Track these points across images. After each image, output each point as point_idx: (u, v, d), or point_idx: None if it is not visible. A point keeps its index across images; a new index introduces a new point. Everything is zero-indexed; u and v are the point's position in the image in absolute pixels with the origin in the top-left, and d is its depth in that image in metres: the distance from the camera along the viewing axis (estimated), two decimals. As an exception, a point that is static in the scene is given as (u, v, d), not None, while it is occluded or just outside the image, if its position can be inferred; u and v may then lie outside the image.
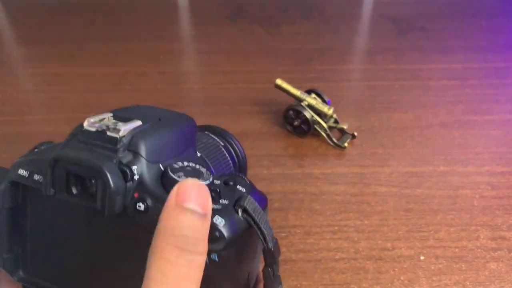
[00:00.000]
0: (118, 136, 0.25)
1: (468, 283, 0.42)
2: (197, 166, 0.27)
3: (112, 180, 0.24)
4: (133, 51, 0.76)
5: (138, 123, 0.27)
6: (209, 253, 0.25)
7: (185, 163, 0.27)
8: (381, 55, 0.75)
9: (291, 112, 0.58)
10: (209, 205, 0.23)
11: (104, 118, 0.27)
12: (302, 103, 0.57)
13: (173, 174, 0.26)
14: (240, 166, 0.40)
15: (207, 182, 0.26)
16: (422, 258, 0.44)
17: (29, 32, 0.82)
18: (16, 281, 0.30)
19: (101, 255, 0.29)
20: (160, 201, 0.24)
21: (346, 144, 0.56)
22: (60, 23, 0.84)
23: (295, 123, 0.58)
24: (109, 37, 0.79)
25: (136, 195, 0.25)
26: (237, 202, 0.26)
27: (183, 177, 0.26)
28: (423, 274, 0.42)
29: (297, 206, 0.48)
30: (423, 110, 0.63)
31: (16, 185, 0.28)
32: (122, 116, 0.28)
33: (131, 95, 0.66)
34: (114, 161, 0.25)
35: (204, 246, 0.23)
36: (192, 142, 0.32)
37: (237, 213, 0.26)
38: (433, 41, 0.79)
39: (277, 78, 0.59)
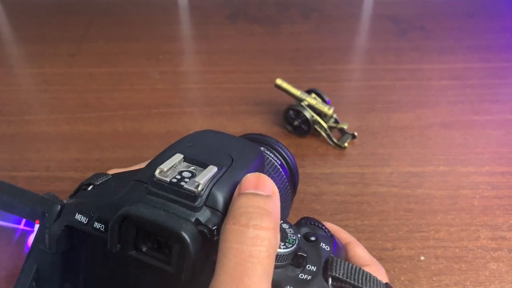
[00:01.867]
0: (196, 191, 0.23)
1: (468, 283, 0.42)
2: (284, 226, 0.25)
3: (192, 246, 0.22)
4: (133, 51, 0.76)
5: (214, 170, 0.24)
6: None
7: None
8: (381, 55, 0.75)
9: (291, 112, 0.58)
10: (271, 187, 0.23)
11: (175, 163, 0.24)
12: (302, 103, 0.57)
13: None
14: (294, 183, 0.38)
15: (294, 248, 0.24)
16: (422, 258, 0.44)
17: (29, 32, 0.82)
18: None
19: None
20: None
21: (346, 144, 0.56)
22: (60, 23, 0.84)
23: (295, 123, 0.58)
24: (109, 37, 0.79)
25: (215, 258, 0.22)
26: (325, 269, 0.24)
27: None
28: (423, 274, 0.42)
29: (297, 206, 0.48)
30: (423, 110, 0.63)
31: (71, 228, 0.26)
32: (193, 158, 0.25)
33: (131, 95, 0.66)
34: (193, 220, 0.22)
35: (270, 222, 0.21)
36: None
37: (327, 282, 0.24)
38: (433, 41, 0.79)
39: (277, 78, 0.59)
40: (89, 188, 0.28)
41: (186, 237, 0.21)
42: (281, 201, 0.30)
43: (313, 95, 0.58)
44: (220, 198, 0.23)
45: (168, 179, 0.23)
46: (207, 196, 0.23)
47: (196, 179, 0.23)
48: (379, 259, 0.43)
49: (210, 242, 0.22)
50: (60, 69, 0.72)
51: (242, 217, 0.21)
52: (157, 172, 0.23)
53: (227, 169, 0.25)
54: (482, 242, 0.46)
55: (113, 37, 0.79)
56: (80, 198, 0.27)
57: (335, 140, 0.57)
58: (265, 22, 0.84)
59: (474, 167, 0.54)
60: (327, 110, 0.57)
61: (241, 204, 0.22)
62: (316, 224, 0.29)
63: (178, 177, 0.23)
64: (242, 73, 0.71)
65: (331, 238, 0.27)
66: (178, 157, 0.25)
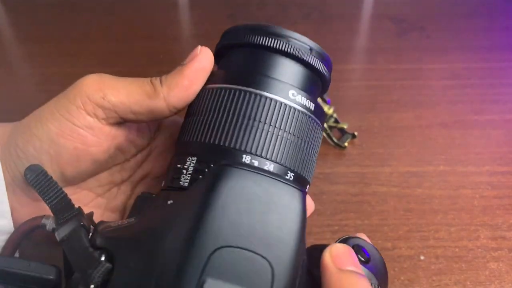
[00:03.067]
0: None
1: (468, 283, 0.42)
2: None
3: None
4: (133, 51, 0.76)
5: None
6: None
7: None
8: (381, 55, 0.75)
9: (291, 112, 0.57)
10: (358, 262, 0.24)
11: None
12: (302, 103, 0.57)
13: None
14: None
15: None
16: (422, 258, 0.44)
17: (29, 32, 0.82)
18: None
19: None
20: None
21: (346, 144, 0.56)
22: (60, 22, 0.84)
23: (295, 123, 0.58)
24: (109, 36, 0.79)
25: None
26: None
27: None
28: (423, 274, 0.42)
29: (297, 206, 0.48)
30: (423, 110, 0.63)
31: None
32: (233, 277, 0.21)
33: (131, 95, 0.66)
34: None
35: None
36: None
37: None
38: (433, 41, 0.79)
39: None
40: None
41: None
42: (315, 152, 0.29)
43: (313, 95, 0.58)
44: None
45: None
46: None
47: None
48: (379, 259, 0.43)
49: None
50: (60, 69, 0.72)
51: None
52: None
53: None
54: (482, 241, 0.46)
55: (113, 37, 0.79)
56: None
57: (335, 140, 0.57)
58: (265, 22, 0.84)
59: (474, 167, 0.54)
60: (327, 110, 0.57)
61: (352, 281, 0.23)
62: (364, 250, 0.28)
63: None
64: (242, 73, 0.71)
65: (375, 277, 0.27)
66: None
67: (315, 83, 0.30)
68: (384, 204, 0.49)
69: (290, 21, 0.85)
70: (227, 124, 0.26)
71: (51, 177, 0.28)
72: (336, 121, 0.59)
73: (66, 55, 0.75)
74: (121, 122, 0.31)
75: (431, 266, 0.43)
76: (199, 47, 0.32)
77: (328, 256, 0.24)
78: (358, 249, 0.27)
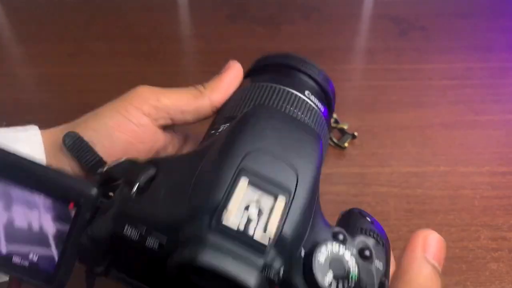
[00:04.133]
0: (267, 245, 0.21)
1: (468, 284, 0.42)
2: (341, 253, 0.24)
3: None
4: (133, 51, 0.76)
5: (283, 204, 0.23)
6: None
7: (329, 247, 0.24)
8: (381, 55, 0.75)
9: (291, 112, 0.57)
10: (443, 262, 0.24)
11: (241, 197, 0.22)
12: (302, 103, 0.57)
13: (322, 277, 0.22)
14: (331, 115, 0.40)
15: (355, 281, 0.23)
16: None
17: (28, 32, 0.82)
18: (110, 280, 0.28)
19: None
20: None
21: (346, 144, 0.56)
22: (60, 22, 0.84)
23: (295, 123, 0.58)
24: (109, 36, 0.79)
25: None
26: None
27: (333, 283, 0.23)
28: None
29: (298, 206, 0.48)
30: (424, 110, 0.63)
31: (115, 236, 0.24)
32: (259, 184, 0.23)
33: (131, 95, 0.66)
34: (261, 266, 0.21)
35: None
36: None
37: None
38: (433, 41, 0.78)
39: (277, 78, 0.59)
40: (134, 190, 0.25)
41: None
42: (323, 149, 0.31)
43: (313, 95, 0.58)
44: (288, 238, 0.22)
45: (235, 227, 0.22)
46: (277, 240, 0.22)
47: (268, 228, 0.22)
48: (379, 259, 0.43)
49: (275, 284, 0.22)
50: (60, 69, 0.71)
51: None
52: (224, 215, 0.22)
53: (294, 196, 0.23)
54: (482, 242, 0.46)
55: (113, 37, 0.79)
56: (125, 207, 0.25)
57: (335, 140, 0.57)
58: (265, 22, 0.84)
59: (475, 167, 0.54)
60: (327, 110, 0.57)
61: (429, 276, 0.23)
62: (368, 219, 0.28)
63: (245, 220, 0.22)
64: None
65: (382, 249, 0.26)
66: (244, 184, 0.23)
67: (322, 96, 0.39)
68: (385, 205, 0.49)
69: (290, 21, 0.85)
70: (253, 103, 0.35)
71: (87, 142, 0.31)
72: (336, 121, 0.59)
73: (66, 55, 0.74)
74: (168, 125, 0.37)
75: (432, 267, 0.43)
76: (231, 60, 0.42)
77: (420, 239, 0.25)
78: (363, 214, 0.28)
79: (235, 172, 0.23)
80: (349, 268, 0.23)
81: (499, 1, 0.90)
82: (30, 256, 0.27)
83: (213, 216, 0.22)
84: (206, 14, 0.87)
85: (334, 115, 0.59)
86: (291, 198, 0.23)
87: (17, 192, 0.27)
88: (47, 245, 0.27)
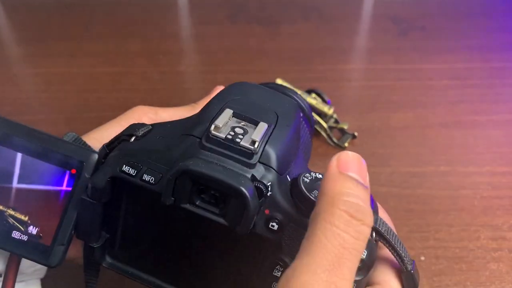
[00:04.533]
0: (252, 148, 0.23)
1: (468, 284, 0.42)
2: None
3: (251, 202, 0.23)
4: (133, 51, 0.76)
5: (265, 127, 0.25)
6: None
7: (313, 174, 0.26)
8: (381, 55, 0.75)
9: (291, 112, 0.57)
10: (368, 179, 0.23)
11: (227, 120, 0.25)
12: (302, 103, 0.57)
13: (308, 192, 0.24)
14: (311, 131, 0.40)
15: None
16: (422, 258, 0.44)
17: (29, 32, 0.82)
18: (105, 267, 0.30)
19: (209, 261, 0.28)
20: (293, 221, 0.24)
21: (346, 144, 0.56)
22: (60, 22, 0.84)
23: (295, 123, 0.58)
24: (109, 36, 0.79)
25: (267, 211, 0.24)
26: None
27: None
28: (423, 274, 0.42)
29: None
30: (424, 110, 0.63)
31: (115, 179, 0.26)
32: (242, 114, 0.26)
33: (131, 95, 0.66)
34: (249, 177, 0.23)
35: (370, 220, 0.21)
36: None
37: (371, 236, 0.24)
38: (433, 41, 0.78)
39: (277, 78, 0.59)
40: (132, 140, 0.28)
41: (246, 193, 0.22)
42: (306, 152, 0.32)
43: (313, 95, 0.58)
44: (273, 155, 0.24)
45: (223, 136, 0.24)
46: (261, 153, 0.24)
47: (252, 136, 0.24)
48: (380, 259, 0.43)
49: (264, 197, 0.24)
50: (60, 69, 0.71)
51: (349, 207, 0.21)
52: (212, 128, 0.24)
53: (275, 126, 0.26)
54: (482, 242, 0.46)
55: (113, 37, 0.79)
56: (125, 150, 0.27)
57: (335, 140, 0.57)
58: (265, 22, 0.84)
59: (475, 167, 0.54)
60: (327, 110, 0.57)
61: (347, 189, 0.21)
62: None
63: (232, 133, 0.24)
64: (242, 73, 0.71)
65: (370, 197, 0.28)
66: (228, 112, 0.25)
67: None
68: (385, 205, 0.48)
69: (290, 21, 0.85)
70: None
71: (85, 142, 0.31)
72: (336, 121, 0.59)
73: (66, 55, 0.74)
74: None
75: (432, 267, 0.43)
76: (218, 86, 0.43)
77: (334, 159, 0.23)
78: None
79: (220, 108, 0.26)
80: None
81: (499, 1, 0.90)
82: (30, 229, 0.28)
83: (202, 136, 0.24)
84: (206, 14, 0.87)
85: (334, 115, 0.59)
86: (272, 127, 0.25)
87: (23, 160, 0.28)
88: (47, 215, 0.28)
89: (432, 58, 0.74)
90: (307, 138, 0.36)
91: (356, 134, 0.58)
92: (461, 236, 0.46)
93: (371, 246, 0.24)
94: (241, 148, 0.23)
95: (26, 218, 0.28)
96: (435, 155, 0.56)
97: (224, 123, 0.25)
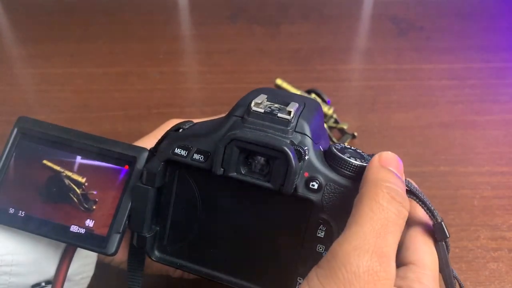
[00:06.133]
0: (289, 118, 0.26)
1: (468, 283, 0.42)
2: (353, 148, 0.29)
3: (294, 160, 0.25)
4: (133, 51, 0.76)
5: (296, 105, 0.28)
6: None
7: (342, 145, 0.29)
8: (381, 55, 0.75)
9: (291, 112, 0.58)
10: (403, 176, 0.27)
11: (262, 101, 0.28)
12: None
13: (342, 154, 0.27)
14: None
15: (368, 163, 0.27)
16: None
17: (29, 32, 0.82)
18: (154, 261, 0.31)
19: (256, 233, 0.30)
20: (331, 180, 0.27)
21: (346, 144, 0.56)
22: (60, 23, 0.84)
23: (295, 123, 0.58)
24: (109, 37, 0.79)
25: (306, 174, 0.27)
26: None
27: (351, 158, 0.27)
28: None
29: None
30: (423, 110, 0.63)
31: (167, 163, 0.29)
32: (275, 98, 0.29)
33: (131, 95, 0.66)
34: (288, 141, 0.26)
35: (408, 205, 0.25)
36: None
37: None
38: (433, 41, 0.79)
39: (277, 78, 0.59)
40: (180, 130, 0.31)
41: (288, 151, 0.25)
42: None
43: (313, 95, 0.58)
44: (306, 125, 0.27)
45: (262, 110, 0.27)
46: (296, 123, 0.27)
47: (287, 108, 0.27)
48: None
49: (303, 161, 0.26)
50: (60, 69, 0.72)
51: (391, 190, 0.24)
52: (252, 105, 0.27)
53: (304, 107, 0.28)
54: (482, 242, 0.46)
55: (113, 37, 0.79)
56: (175, 137, 0.29)
57: (335, 140, 0.57)
58: (265, 22, 0.84)
59: (474, 167, 0.54)
60: (327, 110, 0.57)
61: (389, 178, 0.25)
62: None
63: (269, 109, 0.27)
64: (242, 73, 0.71)
65: None
66: (263, 97, 0.28)
67: None
68: (384, 204, 0.49)
69: (290, 21, 0.85)
70: None
71: None
72: (336, 121, 0.59)
73: (66, 55, 0.75)
74: None
75: (431, 267, 0.43)
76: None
77: (376, 156, 0.26)
78: None
79: (254, 94, 0.29)
80: (361, 153, 0.29)
81: (499, 1, 0.90)
82: (87, 222, 0.30)
83: (243, 114, 0.27)
84: (206, 14, 0.87)
85: (334, 115, 0.59)
86: (302, 107, 0.28)
87: (77, 160, 0.31)
88: (104, 184, 0.30)
89: (432, 58, 0.74)
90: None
91: (355, 134, 0.58)
92: (461, 236, 0.46)
93: None
94: (279, 118, 0.26)
95: (84, 180, 0.30)
96: (434, 155, 0.56)
97: (261, 102, 0.28)
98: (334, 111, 0.58)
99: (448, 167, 0.54)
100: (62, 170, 0.31)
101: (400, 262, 0.28)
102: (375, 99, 0.65)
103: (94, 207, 0.30)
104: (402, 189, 0.25)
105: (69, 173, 0.31)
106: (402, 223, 0.24)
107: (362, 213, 0.23)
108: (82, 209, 0.30)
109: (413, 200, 0.28)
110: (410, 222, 0.30)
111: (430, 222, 0.30)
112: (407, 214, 0.24)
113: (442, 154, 0.56)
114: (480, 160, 0.55)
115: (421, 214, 0.31)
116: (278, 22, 0.84)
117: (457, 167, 0.54)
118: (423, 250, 0.29)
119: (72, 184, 0.30)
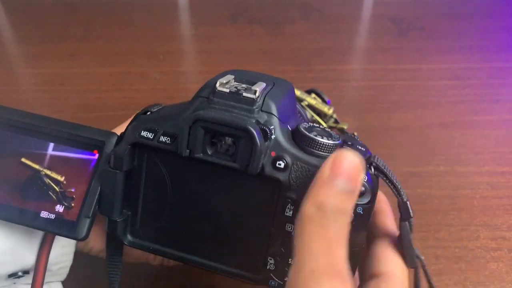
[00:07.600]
0: (254, 97, 0.26)
1: (468, 283, 0.42)
2: (322, 126, 0.28)
3: (258, 139, 0.25)
4: (133, 51, 0.76)
5: (264, 85, 0.28)
6: (355, 208, 0.26)
7: (310, 124, 0.29)
8: (381, 55, 0.75)
9: (291, 112, 0.58)
10: (361, 180, 0.24)
11: (229, 81, 0.28)
12: (302, 103, 0.57)
13: (308, 132, 0.27)
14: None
15: (339, 141, 0.27)
16: (422, 258, 0.44)
17: (29, 32, 0.82)
18: (126, 245, 0.31)
19: (226, 215, 0.29)
20: (298, 159, 0.27)
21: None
22: (60, 23, 0.84)
23: (295, 123, 0.58)
24: (109, 37, 0.79)
25: (273, 154, 0.27)
26: (368, 159, 0.28)
27: (318, 136, 0.27)
28: (423, 274, 0.42)
29: (297, 206, 0.48)
30: (423, 110, 0.63)
31: (135, 147, 0.29)
32: (243, 78, 0.29)
33: (131, 95, 0.66)
34: (254, 121, 0.26)
35: (350, 215, 0.23)
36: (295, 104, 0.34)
37: (371, 169, 0.28)
38: (433, 41, 0.79)
39: (277, 78, 0.59)
40: (148, 113, 0.31)
41: (253, 130, 0.25)
42: None
43: (313, 95, 0.58)
44: (273, 104, 0.27)
45: (227, 90, 0.27)
46: (262, 103, 0.27)
47: (253, 87, 0.27)
48: (379, 259, 0.43)
49: (269, 140, 0.26)
50: (60, 69, 0.72)
51: (333, 207, 0.22)
52: (217, 85, 0.27)
53: (273, 87, 0.28)
54: (482, 242, 0.46)
55: (113, 37, 0.79)
56: (142, 120, 0.29)
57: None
58: (265, 22, 0.84)
59: (474, 167, 0.54)
60: (327, 110, 0.57)
61: (331, 197, 0.22)
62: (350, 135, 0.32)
63: (235, 89, 0.27)
64: (242, 73, 0.71)
65: (363, 144, 0.30)
66: (230, 77, 0.28)
67: None
68: (384, 204, 0.49)
69: (290, 21, 0.85)
70: None
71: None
72: (336, 121, 0.59)
73: (66, 55, 0.75)
74: None
75: (431, 267, 0.43)
76: None
77: (331, 159, 0.23)
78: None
79: (222, 75, 0.29)
80: (329, 131, 0.28)
81: (499, 1, 0.91)
82: (57, 208, 0.30)
83: (209, 95, 0.27)
84: (206, 14, 0.87)
85: (334, 115, 0.59)
86: (270, 87, 0.28)
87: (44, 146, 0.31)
88: (71, 195, 0.30)
89: (432, 58, 0.74)
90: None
91: (355, 134, 0.58)
92: (461, 236, 0.46)
93: (373, 180, 0.27)
94: (245, 97, 0.26)
95: (63, 179, 0.30)
96: (434, 155, 0.56)
97: (227, 82, 0.27)
98: (334, 111, 0.58)
99: (448, 167, 0.54)
100: (41, 168, 0.30)
101: (371, 273, 0.28)
102: (375, 99, 0.65)
103: (72, 204, 0.30)
104: (350, 203, 0.23)
105: (48, 172, 0.30)
106: (346, 231, 0.23)
107: (307, 234, 0.22)
108: (62, 207, 0.30)
109: (382, 205, 0.28)
110: (379, 233, 0.30)
111: (397, 233, 0.29)
112: (350, 218, 0.23)
113: (442, 154, 0.56)
114: (480, 160, 0.55)
115: (389, 224, 0.31)
116: (278, 22, 0.84)
117: (457, 167, 0.54)
118: (393, 261, 0.29)
119: (51, 183, 0.30)
